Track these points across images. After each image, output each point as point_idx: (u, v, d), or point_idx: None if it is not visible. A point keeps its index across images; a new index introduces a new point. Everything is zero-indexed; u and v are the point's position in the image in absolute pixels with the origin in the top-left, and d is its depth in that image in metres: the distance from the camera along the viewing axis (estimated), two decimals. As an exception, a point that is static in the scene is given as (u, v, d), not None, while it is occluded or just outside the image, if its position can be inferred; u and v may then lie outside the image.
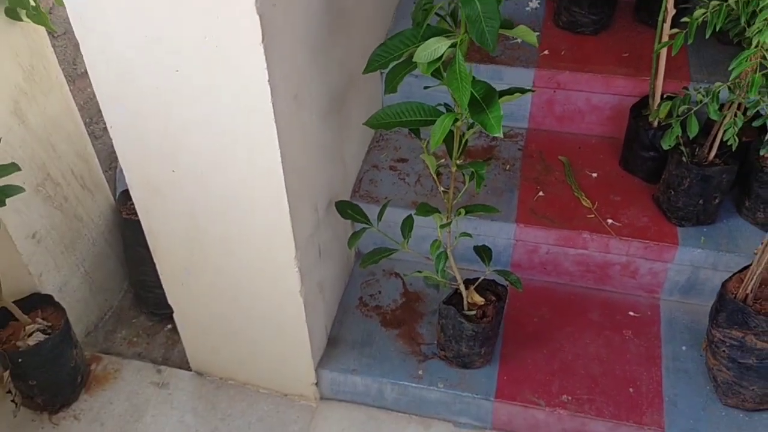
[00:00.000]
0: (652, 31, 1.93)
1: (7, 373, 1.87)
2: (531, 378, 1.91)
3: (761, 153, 1.78)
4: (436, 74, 1.41)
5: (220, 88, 1.35)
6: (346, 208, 1.78)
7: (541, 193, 2.13)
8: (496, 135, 1.35)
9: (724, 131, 1.77)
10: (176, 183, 1.56)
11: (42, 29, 1.84)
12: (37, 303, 1.94)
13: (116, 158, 1.59)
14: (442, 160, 2.14)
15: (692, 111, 1.80)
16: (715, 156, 1.91)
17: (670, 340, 1.99)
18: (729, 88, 1.73)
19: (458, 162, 1.59)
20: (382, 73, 1.45)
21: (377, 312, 2.09)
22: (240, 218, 1.58)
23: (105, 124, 1.51)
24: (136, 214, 1.71)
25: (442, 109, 1.51)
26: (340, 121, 1.85)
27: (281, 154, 1.41)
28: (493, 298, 1.87)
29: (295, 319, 1.77)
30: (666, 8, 1.84)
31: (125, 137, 1.51)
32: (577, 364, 1.94)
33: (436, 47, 1.34)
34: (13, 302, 1.86)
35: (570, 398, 1.86)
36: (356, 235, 1.79)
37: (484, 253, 1.79)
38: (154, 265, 1.82)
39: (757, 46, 1.55)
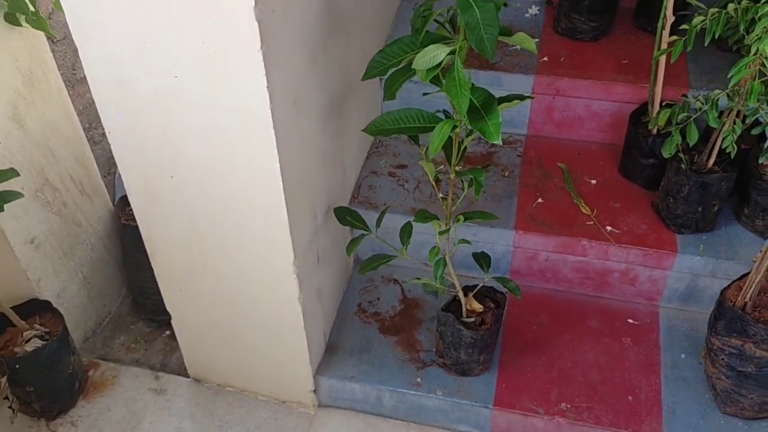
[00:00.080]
0: (652, 38, 1.94)
1: (4, 379, 1.86)
2: (530, 386, 1.90)
3: (760, 161, 1.78)
4: (435, 81, 1.41)
5: (219, 95, 1.35)
6: (344, 215, 1.78)
7: (540, 200, 2.13)
8: (495, 142, 1.35)
9: (723, 139, 1.77)
10: (175, 189, 1.55)
11: (41, 34, 1.84)
12: (35, 309, 1.94)
13: (115, 164, 1.58)
14: (441, 167, 2.15)
15: (692, 119, 1.80)
16: (714, 163, 1.91)
17: (669, 347, 1.98)
18: (728, 95, 1.73)
19: (457, 168, 1.59)
20: (381, 79, 1.46)
21: (376, 318, 2.08)
22: (238, 224, 1.58)
23: (104, 129, 1.51)
24: (134, 219, 1.71)
25: (441, 115, 1.51)
26: (339, 127, 1.85)
27: (280, 160, 1.41)
28: (492, 305, 1.87)
29: (293, 326, 1.76)
30: (665, 15, 1.84)
31: (124, 143, 1.51)
32: (576, 372, 1.93)
33: (435, 54, 1.34)
34: (11, 308, 1.86)
35: (569, 406, 1.85)
36: (355, 242, 1.78)
37: (482, 260, 1.79)
38: (152, 271, 1.81)
39: (756, 54, 1.56)
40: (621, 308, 2.10)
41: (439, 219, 1.67)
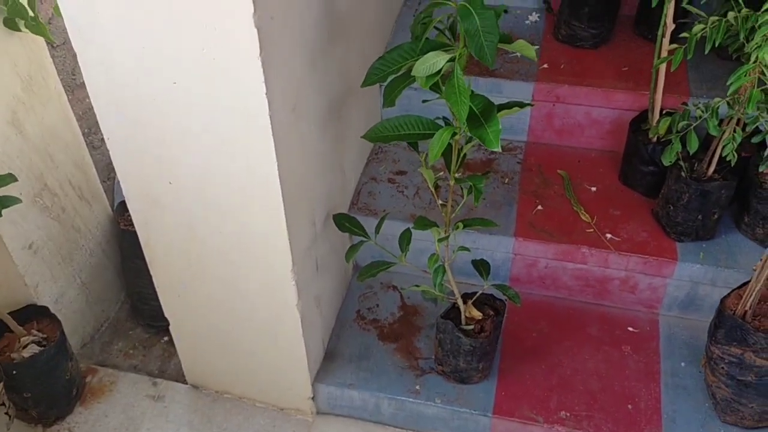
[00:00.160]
0: (652, 46, 1.93)
1: (1, 386, 1.85)
2: (529, 393, 1.89)
3: (760, 169, 1.78)
4: (435, 88, 1.40)
5: (218, 101, 1.34)
6: (343, 221, 1.78)
7: (540, 207, 2.13)
8: (494, 150, 1.35)
9: (723, 147, 1.76)
10: (173, 195, 1.55)
11: (41, 39, 1.84)
12: (33, 314, 1.93)
13: (114, 169, 1.58)
14: (441, 173, 2.14)
15: (692, 127, 1.80)
16: (714, 171, 1.90)
17: (669, 355, 1.97)
18: (728, 103, 1.72)
19: (456, 175, 1.59)
20: (381, 85, 1.45)
21: (375, 325, 2.08)
22: (237, 231, 1.57)
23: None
24: (133, 225, 1.70)
25: (441, 122, 1.51)
26: (338, 133, 1.85)
27: (279, 166, 1.41)
28: (491, 312, 1.86)
29: (291, 333, 1.76)
30: (665, 23, 1.84)
31: (122, 149, 1.51)
32: (575, 380, 1.92)
33: (435, 61, 1.34)
34: (9, 313, 1.85)
35: (568, 414, 1.84)
36: (354, 249, 1.78)
37: (482, 267, 1.78)
38: (151, 276, 1.81)
39: (755, 62, 1.55)
40: (621, 316, 2.09)
41: (438, 226, 1.67)
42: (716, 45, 1.64)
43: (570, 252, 2.02)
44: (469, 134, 1.41)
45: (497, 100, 1.44)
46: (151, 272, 1.78)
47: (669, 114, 1.91)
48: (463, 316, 1.82)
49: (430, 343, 2.01)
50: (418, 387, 1.91)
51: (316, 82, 1.60)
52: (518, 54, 2.29)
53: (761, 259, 1.64)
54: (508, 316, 2.07)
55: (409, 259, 1.76)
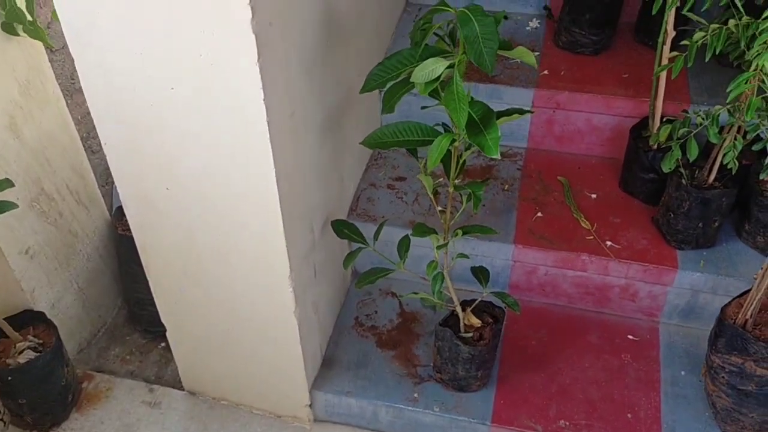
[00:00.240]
0: (653, 53, 1.93)
1: (-4, 391, 1.85)
2: (528, 402, 1.88)
3: (761, 177, 1.77)
4: (434, 94, 1.40)
5: (216, 107, 1.33)
6: (342, 228, 1.77)
7: (539, 214, 2.12)
8: (493, 157, 1.34)
9: (724, 155, 1.75)
10: (171, 201, 1.54)
11: (39, 43, 1.83)
12: (29, 320, 1.92)
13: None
14: (441, 180, 2.13)
15: (692, 134, 1.79)
16: (715, 179, 1.90)
17: (669, 364, 1.96)
18: (729, 111, 1.72)
19: (456, 182, 1.58)
20: (381, 91, 1.45)
21: (373, 332, 2.06)
22: (234, 238, 1.56)
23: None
24: (131, 230, 1.69)
25: (440, 129, 1.50)
26: (337, 139, 1.84)
27: (276, 173, 1.40)
28: (491, 320, 1.85)
29: (288, 340, 1.74)
30: (666, 31, 1.83)
31: (119, 154, 1.50)
32: (575, 388, 1.91)
33: (434, 68, 1.33)
34: (5, 319, 1.84)
35: (568, 423, 1.83)
36: (352, 256, 1.76)
37: (481, 274, 1.77)
38: (148, 282, 1.79)
39: (755, 69, 1.54)
40: (621, 324, 2.08)
41: (437, 233, 1.66)
42: (717, 52, 1.63)
43: (570, 259, 2.01)
44: (468, 141, 1.40)
45: (497, 107, 1.44)
46: (148, 278, 1.77)
47: (669, 121, 1.90)
48: (462, 324, 1.81)
49: (428, 350, 2.00)
50: (416, 395, 1.90)
51: (316, 88, 1.59)
52: (518, 60, 2.30)
53: (762, 268, 1.63)
54: (508, 324, 2.06)
55: (408, 266, 1.75)
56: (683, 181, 1.90)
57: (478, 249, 2.04)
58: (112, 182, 2.45)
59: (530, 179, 2.24)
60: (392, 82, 1.43)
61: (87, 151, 2.17)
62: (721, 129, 1.77)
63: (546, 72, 2.29)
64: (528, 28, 2.51)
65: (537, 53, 2.37)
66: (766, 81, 1.56)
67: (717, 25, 1.63)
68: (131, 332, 2.28)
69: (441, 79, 1.35)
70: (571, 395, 1.89)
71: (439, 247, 1.64)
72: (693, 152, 1.80)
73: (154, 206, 1.57)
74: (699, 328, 2.03)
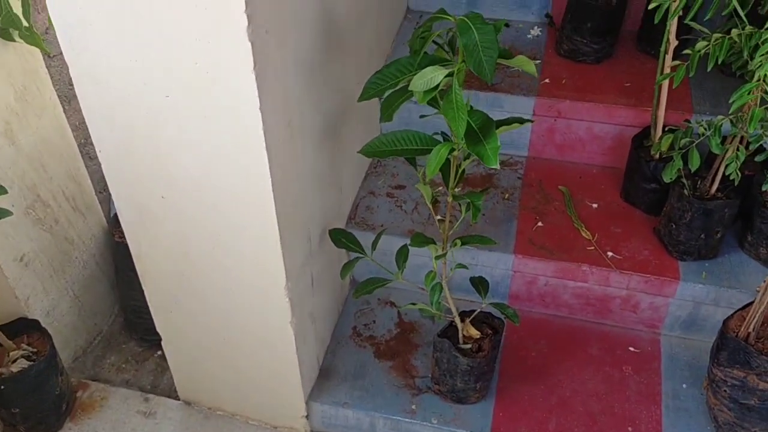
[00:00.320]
0: (655, 62, 1.91)
1: (-11, 400, 1.82)
2: (528, 414, 1.86)
3: (764, 188, 1.74)
4: (433, 103, 1.38)
5: (211, 115, 1.31)
6: (339, 237, 1.75)
7: (540, 224, 2.10)
8: (492, 167, 1.32)
9: (726, 165, 1.73)
10: (166, 209, 1.52)
11: (36, 49, 1.81)
12: (24, 328, 1.89)
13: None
14: (440, 188, 2.12)
15: (694, 144, 1.77)
16: (718, 190, 1.88)
17: (670, 377, 1.94)
18: (731, 121, 1.70)
19: (457, 190, 1.56)
20: (380, 98, 1.43)
21: (371, 342, 2.04)
22: (229, 247, 1.54)
23: (97, 146, 1.48)
24: (126, 238, 1.67)
25: (439, 137, 1.48)
26: (336, 147, 1.82)
27: (272, 182, 1.38)
28: (490, 331, 1.83)
29: (285, 350, 1.72)
30: (668, 40, 1.81)
31: (114, 162, 1.48)
32: (575, 401, 1.88)
33: (432, 76, 1.31)
34: (-2, 327, 1.82)
35: (567, 436, 1.80)
36: (349, 265, 1.74)
37: (480, 285, 1.75)
38: (144, 290, 1.78)
39: (759, 80, 1.53)
40: (622, 335, 2.05)
41: (435, 243, 1.64)
42: (719, 62, 1.62)
43: (570, 270, 1.99)
44: (467, 150, 1.38)
45: (498, 115, 1.42)
46: (143, 286, 1.75)
47: (671, 131, 1.88)
48: (460, 335, 1.78)
49: (427, 361, 1.98)
50: (414, 406, 1.87)
51: (314, 96, 1.57)
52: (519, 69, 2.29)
53: (765, 280, 1.61)
54: (507, 335, 2.04)
55: (407, 275, 1.73)
56: (685, 192, 1.88)
57: (477, 259, 2.02)
58: (110, 189, 2.43)
59: (531, 188, 2.22)
60: (390, 91, 1.42)
61: (85, 157, 2.15)
62: (724, 139, 1.75)
63: (547, 80, 2.27)
64: (529, 36, 2.50)
65: (538, 61, 2.35)
66: (769, 91, 1.54)
67: (720, 35, 1.61)
68: (127, 340, 2.26)
69: (440, 87, 1.33)
70: (571, 408, 1.87)
71: (437, 258, 1.62)
72: (695, 162, 1.78)
73: (149, 214, 1.55)
74: (701, 340, 2.00)
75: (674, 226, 1.93)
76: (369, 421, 1.88)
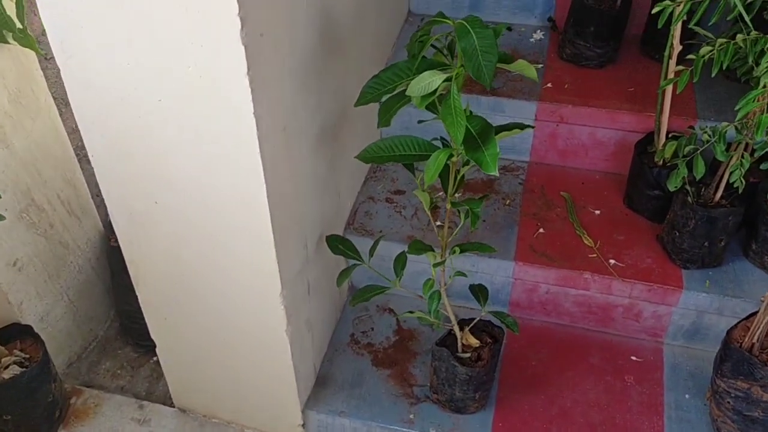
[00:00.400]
0: (659, 66, 1.88)
1: (-20, 407, 1.80)
2: (528, 425, 1.82)
3: (769, 195, 1.72)
4: (432, 108, 1.35)
5: (204, 120, 1.29)
6: (336, 244, 1.72)
7: (541, 230, 2.07)
8: (491, 174, 1.29)
9: (731, 173, 1.70)
10: (159, 215, 1.50)
11: (31, 51, 1.79)
12: (16, 334, 1.87)
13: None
14: (440, 193, 2.09)
15: (698, 151, 1.74)
16: (722, 197, 1.84)
17: (673, 387, 1.90)
18: (736, 128, 1.67)
19: (457, 195, 1.53)
20: (381, 102, 1.41)
21: (369, 350, 2.01)
22: (224, 253, 1.51)
23: (93, 150, 1.46)
24: (119, 243, 1.65)
25: (438, 143, 1.46)
26: (334, 152, 1.79)
27: (267, 188, 1.35)
28: (489, 340, 1.80)
29: (280, 358, 1.69)
30: (672, 44, 1.78)
31: (107, 167, 1.46)
32: (576, 411, 1.85)
33: (430, 81, 1.29)
34: (-9, 332, 1.80)
35: (567, 448, 1.77)
36: (345, 273, 1.72)
37: (480, 292, 1.72)
38: (138, 296, 1.75)
39: (764, 87, 1.49)
40: (624, 344, 2.02)
41: (434, 250, 1.61)
42: (724, 68, 1.58)
43: (572, 277, 1.95)
44: (466, 156, 1.36)
45: (499, 120, 1.39)
46: (137, 292, 1.72)
47: (675, 137, 1.85)
48: (459, 344, 1.76)
49: (425, 369, 1.95)
50: (412, 416, 1.84)
51: (311, 101, 1.55)
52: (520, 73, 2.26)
53: (770, 291, 1.58)
54: (508, 343, 2.01)
55: (406, 281, 1.71)
56: (689, 199, 1.85)
57: (477, 266, 1.99)
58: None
59: (532, 194, 2.19)
60: (388, 96, 1.39)
61: (82, 160, 2.13)
62: (728, 146, 1.72)
63: (550, 85, 2.24)
64: (532, 39, 2.47)
65: (540, 66, 2.32)
66: (775, 98, 1.51)
67: (724, 40, 1.58)
68: (123, 346, 2.24)
69: (438, 92, 1.31)
70: (572, 419, 1.83)
71: (435, 265, 1.59)
72: (699, 170, 1.75)
73: (143, 220, 1.52)
74: (704, 349, 1.97)
75: (678, 233, 1.90)
76: (366, 430, 1.85)
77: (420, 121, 1.47)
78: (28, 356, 1.84)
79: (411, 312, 1.73)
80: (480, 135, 1.32)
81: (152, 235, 1.55)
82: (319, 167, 1.69)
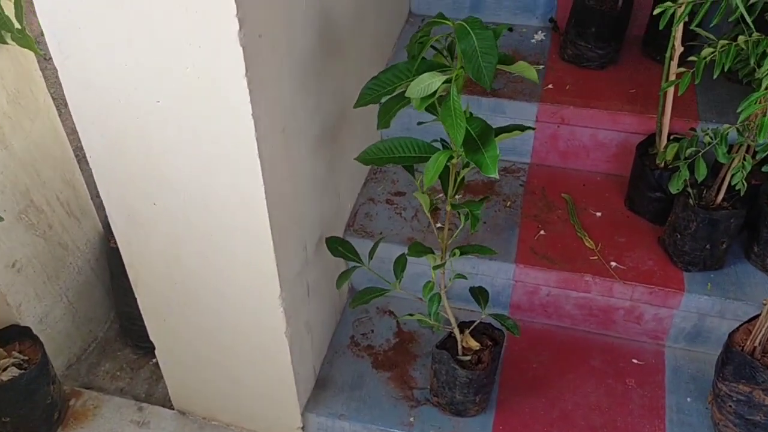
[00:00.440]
0: (660, 68, 1.87)
1: (-21, 409, 1.79)
2: (528, 428, 1.81)
3: (771, 198, 1.71)
4: (431, 110, 1.34)
5: (203, 121, 1.28)
6: (336, 245, 1.71)
7: (542, 232, 2.06)
8: (491, 176, 1.28)
9: (733, 175, 1.69)
10: (157, 217, 1.49)
11: (30, 51, 1.78)
12: (15, 336, 1.86)
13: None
14: (440, 195, 2.08)
15: (700, 154, 1.73)
16: (723, 199, 1.84)
17: (674, 390, 1.89)
18: (738, 130, 1.66)
19: (458, 196, 1.52)
20: (380, 103, 1.40)
21: (369, 352, 2.00)
22: (222, 255, 1.51)
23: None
24: (118, 245, 1.64)
25: (438, 145, 1.45)
26: (333, 154, 1.78)
27: (266, 190, 1.35)
28: (490, 342, 1.79)
29: (279, 361, 1.69)
30: (674, 46, 1.78)
31: (105, 168, 1.45)
32: (576, 415, 1.84)
33: (430, 83, 1.28)
34: (-11, 334, 1.79)
35: (568, 451, 1.76)
36: (345, 275, 1.71)
37: (480, 295, 1.71)
38: (138, 297, 1.75)
39: (766, 89, 1.48)
40: (625, 347, 2.01)
41: (434, 252, 1.60)
42: (725, 70, 1.58)
43: (573, 280, 1.94)
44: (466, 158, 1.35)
45: (500, 121, 1.38)
46: (136, 294, 1.72)
47: (677, 139, 1.84)
48: (459, 346, 1.75)
49: (425, 371, 1.94)
50: (412, 419, 1.83)
51: (310, 102, 1.54)
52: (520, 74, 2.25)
53: (772, 294, 1.57)
54: (508, 346, 2.00)
55: (406, 283, 1.70)
56: (690, 201, 1.84)
57: (478, 268, 1.98)
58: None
59: (533, 196, 2.19)
60: (387, 97, 1.38)
61: (81, 161, 2.12)
62: (730, 148, 1.71)
63: (551, 86, 2.23)
64: (533, 40, 2.46)
65: (541, 67, 2.31)
66: (777, 100, 1.50)
67: (726, 42, 1.57)
68: (122, 347, 2.23)
69: (438, 94, 1.30)
70: (573, 422, 1.82)
71: (435, 267, 1.58)
72: (701, 173, 1.74)
73: (141, 221, 1.52)
74: (706, 352, 1.96)
75: (679, 236, 1.89)
76: (365, 433, 1.85)
77: (420, 123, 1.46)
78: (26, 358, 1.84)
79: (411, 314, 1.72)
80: (480, 137, 1.32)
81: (151, 236, 1.54)
82: (318, 168, 1.69)
